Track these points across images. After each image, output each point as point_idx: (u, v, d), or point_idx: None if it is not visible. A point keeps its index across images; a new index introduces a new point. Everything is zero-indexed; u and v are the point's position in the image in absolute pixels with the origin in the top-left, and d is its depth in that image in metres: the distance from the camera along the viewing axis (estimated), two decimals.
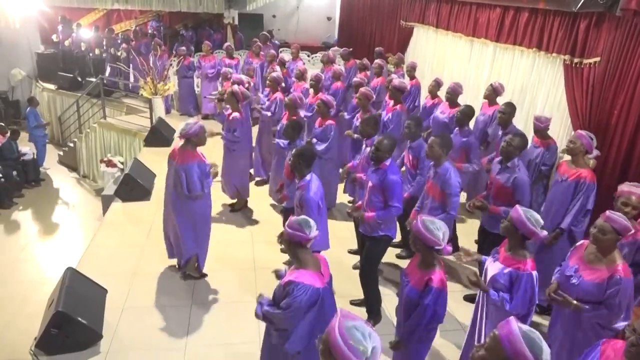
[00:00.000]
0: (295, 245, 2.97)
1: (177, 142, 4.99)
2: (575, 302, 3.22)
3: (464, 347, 3.68)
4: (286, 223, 2.99)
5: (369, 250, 4.46)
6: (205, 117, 10.93)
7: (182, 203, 4.86)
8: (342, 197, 6.85)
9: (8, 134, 10.70)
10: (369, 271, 4.50)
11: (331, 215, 6.47)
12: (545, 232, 3.22)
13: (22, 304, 6.42)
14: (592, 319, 3.21)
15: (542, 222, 3.23)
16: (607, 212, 3.24)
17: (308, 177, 4.26)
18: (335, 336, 1.82)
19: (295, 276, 2.90)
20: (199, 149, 4.93)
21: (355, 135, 6.43)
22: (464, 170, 5.48)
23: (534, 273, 3.15)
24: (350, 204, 6.78)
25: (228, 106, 6.38)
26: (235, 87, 6.29)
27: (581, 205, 4.37)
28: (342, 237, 5.96)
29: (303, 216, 3.02)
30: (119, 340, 4.29)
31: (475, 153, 5.63)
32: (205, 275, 5.30)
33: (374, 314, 4.56)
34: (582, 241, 3.50)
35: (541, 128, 5.40)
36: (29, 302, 6.38)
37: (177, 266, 5.33)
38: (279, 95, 7.16)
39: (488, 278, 3.33)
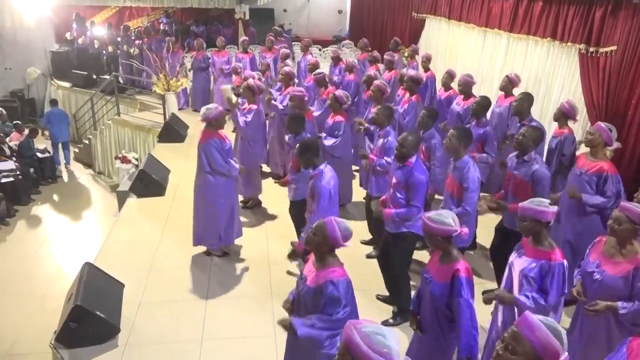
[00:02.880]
0: (329, 247, 2.92)
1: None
2: (608, 303, 3.13)
3: (486, 348, 3.61)
4: (337, 229, 2.86)
5: (396, 252, 4.36)
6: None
7: (204, 182, 5.12)
8: (357, 194, 6.83)
9: (25, 132, 10.87)
10: (402, 273, 4.43)
11: (346, 211, 6.47)
12: (555, 207, 3.18)
13: (42, 299, 6.53)
14: (627, 316, 3.10)
15: (546, 201, 3.20)
16: (622, 202, 3.22)
17: (322, 166, 4.22)
18: (359, 347, 1.80)
19: (329, 275, 2.85)
20: (223, 132, 5.22)
21: (366, 125, 6.40)
22: (477, 161, 5.42)
23: (565, 262, 3.11)
24: (364, 199, 6.77)
25: (244, 100, 6.42)
26: (251, 80, 6.35)
27: (613, 196, 4.28)
28: (357, 231, 5.88)
29: (350, 226, 2.93)
30: (137, 334, 4.35)
31: (491, 144, 5.53)
32: (227, 254, 5.53)
33: (404, 312, 4.47)
34: (599, 237, 3.45)
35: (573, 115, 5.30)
36: (48, 297, 6.49)
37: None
38: (292, 89, 7.16)
39: (515, 274, 3.24)
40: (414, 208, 4.13)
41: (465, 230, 2.98)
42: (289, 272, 5.26)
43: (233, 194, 5.44)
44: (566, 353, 1.90)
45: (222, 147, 5.08)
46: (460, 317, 2.92)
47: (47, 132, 11.70)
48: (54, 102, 12.04)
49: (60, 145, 11.79)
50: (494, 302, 3.51)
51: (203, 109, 5.12)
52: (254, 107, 6.26)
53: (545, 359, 1.90)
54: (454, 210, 4.17)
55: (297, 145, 4.38)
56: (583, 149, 4.99)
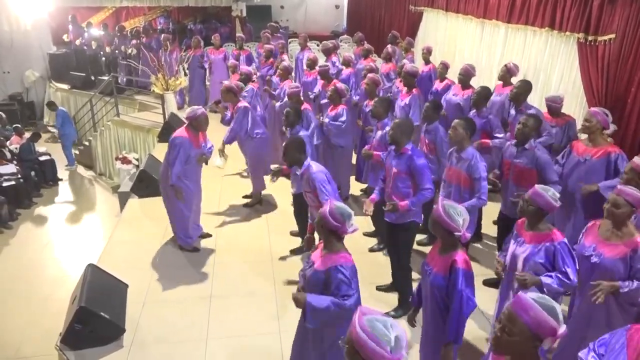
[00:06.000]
0: (331, 233, 2.98)
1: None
2: (611, 283, 3.13)
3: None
4: (327, 210, 2.95)
5: (402, 242, 4.38)
6: (214, 111, 10.97)
7: (166, 173, 5.24)
8: (356, 187, 6.83)
9: (25, 135, 10.87)
10: (406, 263, 4.45)
11: (348, 206, 6.44)
12: (559, 203, 3.22)
13: (46, 301, 6.54)
14: (628, 295, 3.13)
15: (557, 194, 3.22)
16: (619, 186, 3.24)
17: (306, 162, 4.32)
18: (357, 331, 1.82)
19: (337, 260, 2.93)
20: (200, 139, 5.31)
21: (362, 125, 6.41)
22: (492, 145, 5.43)
23: (565, 240, 3.15)
24: (362, 192, 6.78)
25: (227, 105, 6.41)
26: (227, 82, 6.35)
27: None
28: (358, 224, 5.92)
29: (346, 208, 2.99)
30: (142, 334, 4.36)
31: (498, 129, 5.53)
32: (197, 249, 5.62)
33: (406, 304, 4.49)
34: (593, 221, 3.47)
35: (558, 108, 5.34)
36: (53, 299, 6.50)
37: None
38: (287, 83, 7.17)
39: (519, 264, 3.26)
40: (427, 191, 4.13)
41: (468, 235, 2.99)
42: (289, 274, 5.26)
43: (193, 195, 5.46)
44: (564, 326, 1.92)
45: (189, 148, 5.12)
46: (452, 305, 2.98)
47: (50, 132, 11.70)
48: (52, 104, 12.05)
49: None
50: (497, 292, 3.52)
51: (189, 109, 5.24)
52: (241, 104, 6.23)
53: (542, 336, 1.92)
54: (469, 202, 4.20)
55: (283, 146, 4.46)
56: (581, 136, 4.99)
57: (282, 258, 5.48)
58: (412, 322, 3.49)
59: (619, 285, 3.12)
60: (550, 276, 3.11)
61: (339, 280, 2.88)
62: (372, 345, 1.78)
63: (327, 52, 9.17)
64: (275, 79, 7.97)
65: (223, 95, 6.33)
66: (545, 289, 3.08)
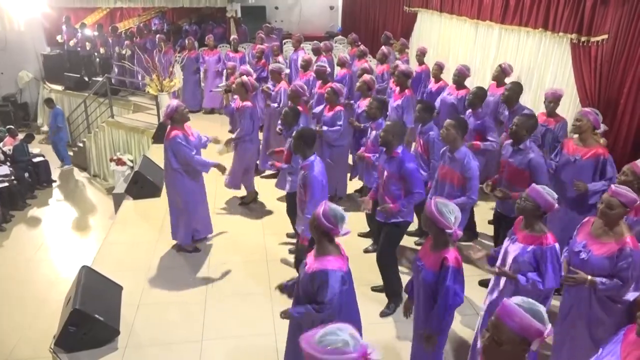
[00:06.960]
0: (323, 234, 2.98)
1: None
2: (589, 277, 3.20)
3: (477, 331, 3.67)
4: (321, 211, 2.94)
5: (388, 235, 4.42)
6: (211, 112, 10.96)
7: (171, 178, 5.23)
8: (351, 187, 6.84)
9: (19, 137, 10.82)
10: (388, 255, 4.48)
11: (342, 205, 6.44)
12: (557, 205, 3.25)
13: (40, 303, 6.52)
14: (606, 292, 3.19)
15: (555, 194, 3.25)
16: (613, 187, 3.26)
17: (312, 157, 4.29)
18: (313, 356, 1.76)
19: (324, 264, 2.93)
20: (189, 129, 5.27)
21: (357, 124, 6.42)
22: (483, 148, 5.45)
23: (556, 245, 3.18)
24: (357, 192, 6.78)
25: (236, 97, 6.40)
26: (245, 77, 6.33)
27: (614, 177, 4.33)
28: (352, 224, 5.94)
29: (340, 210, 2.97)
30: (136, 336, 4.35)
31: (492, 132, 5.56)
32: (198, 250, 5.60)
33: (396, 297, 4.54)
34: (588, 217, 3.51)
35: (558, 97, 5.33)
36: (47, 301, 6.48)
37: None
38: (283, 85, 7.16)
39: (509, 261, 3.31)
40: (417, 194, 4.20)
41: (459, 233, 3.03)
42: (285, 261, 5.26)
43: (201, 189, 5.48)
44: (549, 326, 1.97)
45: (187, 143, 5.11)
46: (440, 300, 3.06)
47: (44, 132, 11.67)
48: (50, 102, 12.00)
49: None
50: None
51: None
52: (248, 104, 6.24)
53: (529, 338, 1.97)
54: (458, 200, 4.23)
55: (295, 131, 4.44)
56: (572, 136, 5.01)
57: (277, 259, 5.48)
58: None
59: (596, 282, 3.17)
60: (525, 275, 3.18)
61: (318, 284, 2.91)
62: (337, 357, 1.74)
63: (317, 52, 9.18)
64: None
65: (235, 88, 6.35)
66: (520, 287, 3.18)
